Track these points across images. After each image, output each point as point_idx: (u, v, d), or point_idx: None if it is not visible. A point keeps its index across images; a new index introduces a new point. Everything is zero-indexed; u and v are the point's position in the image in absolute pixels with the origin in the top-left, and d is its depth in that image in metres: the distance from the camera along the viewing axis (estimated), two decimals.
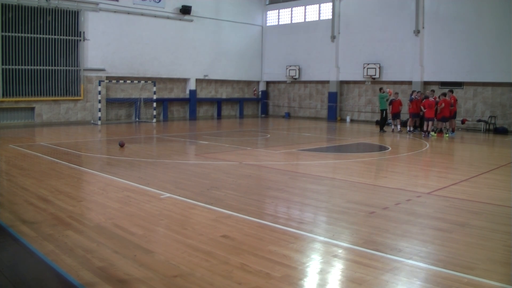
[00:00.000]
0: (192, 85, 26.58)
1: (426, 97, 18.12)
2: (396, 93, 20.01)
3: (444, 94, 17.94)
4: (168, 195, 7.26)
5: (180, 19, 25.47)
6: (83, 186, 8.29)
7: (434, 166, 11.41)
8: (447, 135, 17.72)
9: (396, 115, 19.36)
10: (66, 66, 21.41)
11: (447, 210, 6.69)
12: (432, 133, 17.71)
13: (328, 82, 27.06)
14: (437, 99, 17.77)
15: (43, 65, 20.68)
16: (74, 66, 21.67)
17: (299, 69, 28.14)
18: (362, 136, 18.19)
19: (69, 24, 21.27)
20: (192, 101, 26.65)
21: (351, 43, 25.71)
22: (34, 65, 20.41)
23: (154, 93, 23.68)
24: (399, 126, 19.31)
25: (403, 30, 23.31)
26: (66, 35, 21.24)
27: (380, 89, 19.98)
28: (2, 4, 19.19)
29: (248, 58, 29.55)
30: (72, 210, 6.32)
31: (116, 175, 8.86)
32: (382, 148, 14.10)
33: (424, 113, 17.82)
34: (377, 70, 24.31)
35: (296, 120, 26.58)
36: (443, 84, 22.15)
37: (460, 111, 21.29)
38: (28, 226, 5.51)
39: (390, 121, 20.39)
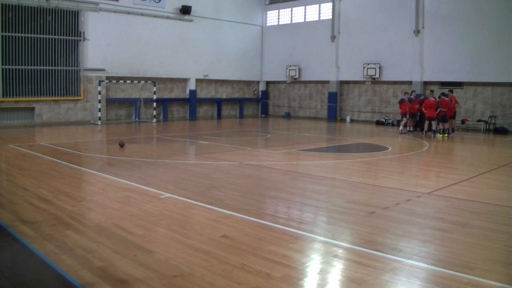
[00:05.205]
0: (192, 85, 26.58)
1: (426, 97, 18.15)
2: (406, 93, 19.76)
3: (431, 93, 18.10)
4: (168, 195, 7.26)
5: (180, 19, 25.47)
6: (83, 186, 8.29)
7: (434, 166, 11.41)
8: (439, 134, 17.46)
9: (405, 115, 19.08)
10: (66, 66, 21.40)
11: (447, 210, 6.68)
12: (438, 134, 17.45)
13: (328, 82, 27.05)
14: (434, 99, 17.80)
15: (43, 65, 20.68)
16: (74, 66, 21.67)
17: (299, 69, 28.14)
18: (362, 136, 18.19)
19: (69, 24, 21.27)
20: (192, 101, 26.65)
21: (351, 43, 25.71)
22: (34, 65, 20.40)
23: (154, 93, 23.67)
24: (401, 128, 19.09)
25: (403, 30, 23.31)
26: (66, 35, 21.24)
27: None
28: (2, 4, 19.18)
29: (248, 58, 29.55)
30: (72, 210, 6.32)
31: (116, 175, 8.86)
32: (382, 148, 14.10)
33: (425, 114, 17.74)
34: (377, 70, 24.31)
35: (296, 120, 26.58)
36: (443, 84, 22.15)
37: (460, 111, 21.30)
38: (28, 226, 5.51)
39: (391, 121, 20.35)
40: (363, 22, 25.10)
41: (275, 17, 29.91)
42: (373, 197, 7.52)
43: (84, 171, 9.43)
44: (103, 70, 22.51)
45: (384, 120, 23.78)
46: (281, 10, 29.49)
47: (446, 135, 17.60)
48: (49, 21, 20.68)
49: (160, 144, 14.82)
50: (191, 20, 25.97)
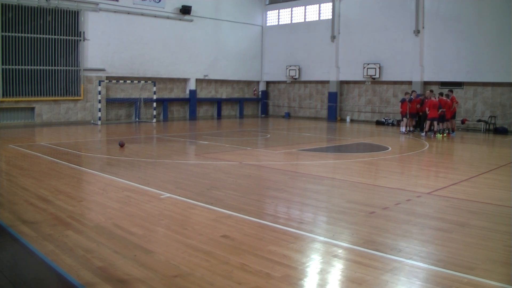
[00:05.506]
0: (192, 85, 26.58)
1: (426, 97, 18.15)
2: (407, 93, 19.67)
3: (431, 93, 18.06)
4: (168, 195, 7.26)
5: (180, 19, 25.47)
6: (83, 186, 8.29)
7: (434, 166, 11.41)
8: (439, 135, 17.41)
9: (405, 115, 18.98)
10: (66, 66, 21.40)
11: (447, 210, 6.69)
12: (438, 134, 17.44)
13: (328, 82, 27.05)
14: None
15: (43, 65, 20.67)
16: (74, 66, 21.67)
17: (299, 69, 28.14)
18: (362, 136, 18.19)
19: (69, 24, 21.27)
20: (192, 101, 26.65)
21: (351, 43, 25.71)
22: (34, 65, 20.40)
23: (154, 93, 23.67)
24: (403, 128, 19.01)
25: (403, 30, 23.31)
26: (66, 35, 21.24)
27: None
28: (2, 4, 19.18)
29: (248, 58, 29.54)
30: (72, 210, 6.32)
31: (116, 175, 8.86)
32: (382, 148, 14.10)
33: (428, 114, 17.65)
34: (377, 70, 24.31)
35: (296, 120, 26.58)
36: (443, 84, 22.15)
37: (460, 111, 21.30)
38: (28, 226, 5.51)
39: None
40: (363, 22, 25.10)
41: (275, 17, 29.91)
42: (373, 197, 7.52)
43: (84, 171, 9.43)
44: (103, 70, 22.51)
45: (384, 120, 23.78)
46: (281, 10, 29.49)
47: (446, 135, 17.59)
48: (49, 21, 20.67)
49: (160, 144, 14.82)
50: (191, 20, 25.96)
